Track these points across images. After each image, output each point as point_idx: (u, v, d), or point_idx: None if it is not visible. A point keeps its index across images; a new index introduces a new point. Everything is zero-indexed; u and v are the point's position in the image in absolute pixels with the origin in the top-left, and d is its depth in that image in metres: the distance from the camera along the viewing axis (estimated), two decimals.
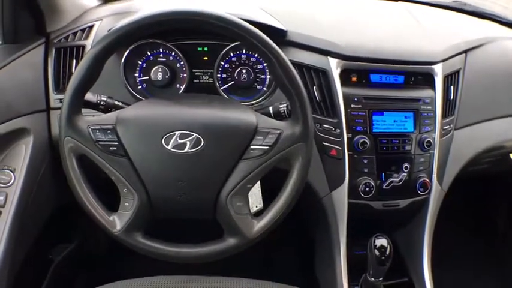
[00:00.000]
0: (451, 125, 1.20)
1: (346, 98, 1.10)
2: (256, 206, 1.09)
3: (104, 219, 0.84)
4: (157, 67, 1.10)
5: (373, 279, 1.07)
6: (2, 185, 1.00)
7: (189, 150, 0.83)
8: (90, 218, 0.85)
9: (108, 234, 0.86)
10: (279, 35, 1.11)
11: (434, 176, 1.17)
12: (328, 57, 1.11)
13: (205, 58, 1.13)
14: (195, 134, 0.83)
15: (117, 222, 0.85)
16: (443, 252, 1.80)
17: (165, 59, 1.12)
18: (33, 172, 1.05)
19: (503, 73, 1.33)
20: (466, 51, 1.26)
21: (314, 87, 1.10)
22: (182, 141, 0.83)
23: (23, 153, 1.04)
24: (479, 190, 1.93)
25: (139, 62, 1.12)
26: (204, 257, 0.88)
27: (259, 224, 0.87)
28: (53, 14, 1.12)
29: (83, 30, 1.12)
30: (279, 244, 1.72)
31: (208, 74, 1.14)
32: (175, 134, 0.83)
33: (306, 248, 1.43)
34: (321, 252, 1.29)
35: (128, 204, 0.84)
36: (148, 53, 1.12)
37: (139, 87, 1.12)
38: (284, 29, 1.12)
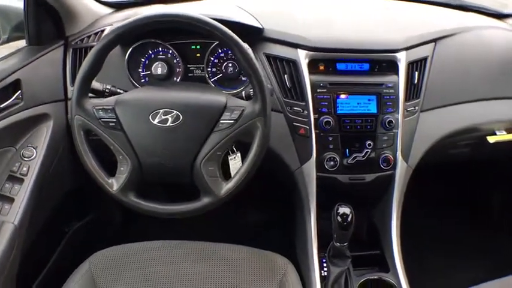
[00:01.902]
0: (416, 107, 1.31)
1: (313, 84, 1.25)
2: None
3: (104, 181, 1.03)
4: (157, 63, 1.29)
5: (338, 244, 1.21)
6: (26, 159, 1.21)
7: (171, 124, 1.00)
8: (94, 181, 1.04)
9: (107, 194, 1.04)
10: (256, 32, 1.29)
11: (399, 153, 1.28)
12: (298, 49, 1.27)
13: (198, 55, 1.32)
14: (175, 111, 1.01)
15: (114, 183, 1.03)
16: (434, 234, 1.88)
17: (164, 56, 1.31)
18: (52, 150, 1.26)
19: (476, 59, 1.42)
20: (435, 40, 1.37)
21: (285, 76, 1.26)
22: (165, 117, 1.01)
23: (44, 134, 1.25)
24: (474, 176, 1.98)
25: (143, 59, 1.31)
26: (183, 213, 1.05)
27: (228, 186, 1.03)
28: (71, 21, 1.33)
29: (95, 33, 1.33)
30: (267, 219, 1.88)
31: (201, 68, 1.32)
32: (159, 111, 1.01)
33: (287, 219, 1.58)
34: (296, 221, 1.43)
35: (123, 169, 1.03)
36: (150, 52, 1.31)
37: (143, 80, 1.31)
38: (261, 27, 1.29)
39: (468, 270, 1.36)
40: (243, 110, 1.02)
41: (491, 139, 1.43)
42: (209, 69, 1.32)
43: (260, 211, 1.97)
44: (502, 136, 1.44)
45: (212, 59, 1.31)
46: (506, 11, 1.65)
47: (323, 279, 1.26)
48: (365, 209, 1.43)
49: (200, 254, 1.15)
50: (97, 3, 1.43)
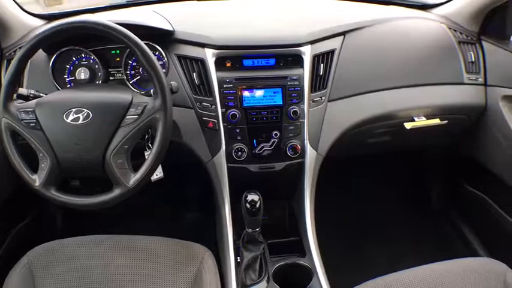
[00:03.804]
0: (323, 97, 1.37)
1: (220, 80, 1.33)
2: (157, 175, 1.31)
3: (28, 178, 1.12)
4: (80, 69, 1.39)
5: (250, 230, 1.28)
6: None
7: (82, 122, 1.10)
8: (19, 177, 1.12)
9: (31, 189, 1.13)
10: (168, 34, 1.37)
11: (307, 142, 1.35)
12: (205, 48, 1.35)
13: (117, 59, 1.41)
14: (85, 110, 1.10)
15: (37, 179, 1.12)
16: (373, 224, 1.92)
17: (86, 62, 1.40)
18: None
19: (392, 49, 1.48)
20: (344, 33, 1.43)
21: (194, 74, 1.35)
22: (77, 115, 1.10)
23: None
24: (414, 165, 2.01)
25: (67, 66, 1.40)
26: (97, 203, 1.13)
27: (135, 177, 1.11)
28: (5, 34, 1.43)
29: None
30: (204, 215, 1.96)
31: (121, 71, 1.41)
32: (72, 110, 1.10)
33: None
34: (215, 211, 1.50)
35: (43, 165, 1.12)
36: (74, 58, 1.40)
37: (68, 85, 1.41)
38: (171, 29, 1.37)
39: (408, 258, 1.39)
40: (145, 106, 1.11)
41: (407, 125, 1.47)
42: (128, 72, 1.40)
43: (198, 209, 2.06)
44: (418, 122, 1.48)
45: (130, 62, 1.40)
46: (431, 1, 1.69)
47: (238, 264, 1.32)
48: (285, 198, 1.50)
49: (124, 245, 1.24)
50: (30, 16, 1.53)
